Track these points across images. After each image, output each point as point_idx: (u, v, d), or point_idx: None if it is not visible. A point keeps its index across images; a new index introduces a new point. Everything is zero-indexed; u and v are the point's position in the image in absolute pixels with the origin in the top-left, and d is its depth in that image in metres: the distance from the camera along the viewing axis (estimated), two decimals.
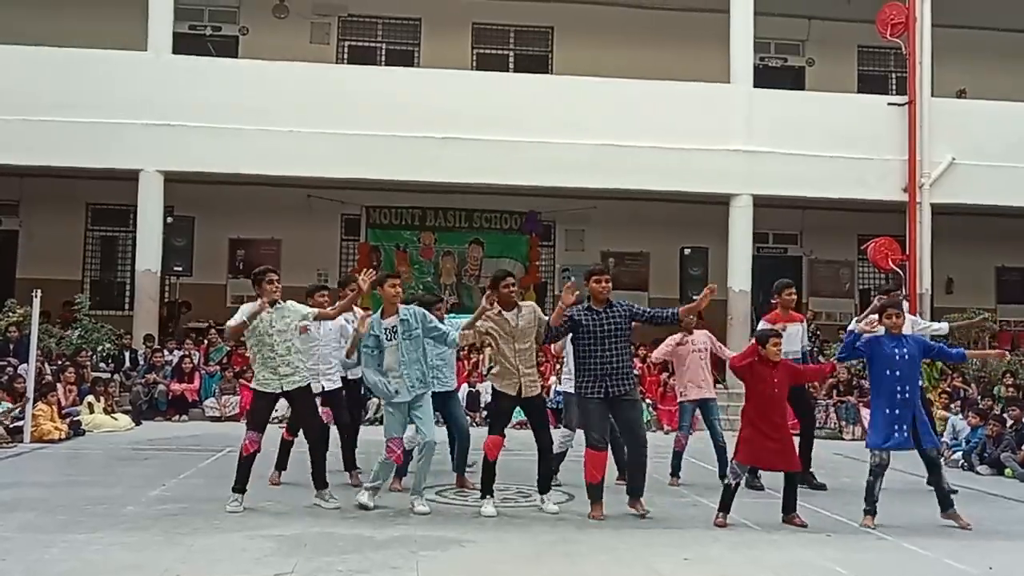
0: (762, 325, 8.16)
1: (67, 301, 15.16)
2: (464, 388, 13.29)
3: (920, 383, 7.12)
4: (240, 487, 6.94)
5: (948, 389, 13.25)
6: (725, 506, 6.81)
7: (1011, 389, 13.00)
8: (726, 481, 6.91)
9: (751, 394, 6.93)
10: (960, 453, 10.65)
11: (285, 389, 7.09)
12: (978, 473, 9.98)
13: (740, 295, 15.42)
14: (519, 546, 6.06)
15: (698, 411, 8.83)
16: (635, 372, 7.39)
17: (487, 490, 7.11)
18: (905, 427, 6.81)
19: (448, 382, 8.18)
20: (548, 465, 7.32)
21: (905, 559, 6.03)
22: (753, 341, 7.17)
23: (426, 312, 7.27)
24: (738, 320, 15.39)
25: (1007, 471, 9.78)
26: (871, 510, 6.83)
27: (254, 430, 7.00)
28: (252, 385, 7.29)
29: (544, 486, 7.28)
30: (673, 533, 6.56)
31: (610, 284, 7.13)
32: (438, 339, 7.26)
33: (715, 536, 6.44)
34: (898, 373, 6.86)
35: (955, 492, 7.33)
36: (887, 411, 6.83)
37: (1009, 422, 10.39)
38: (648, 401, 14.22)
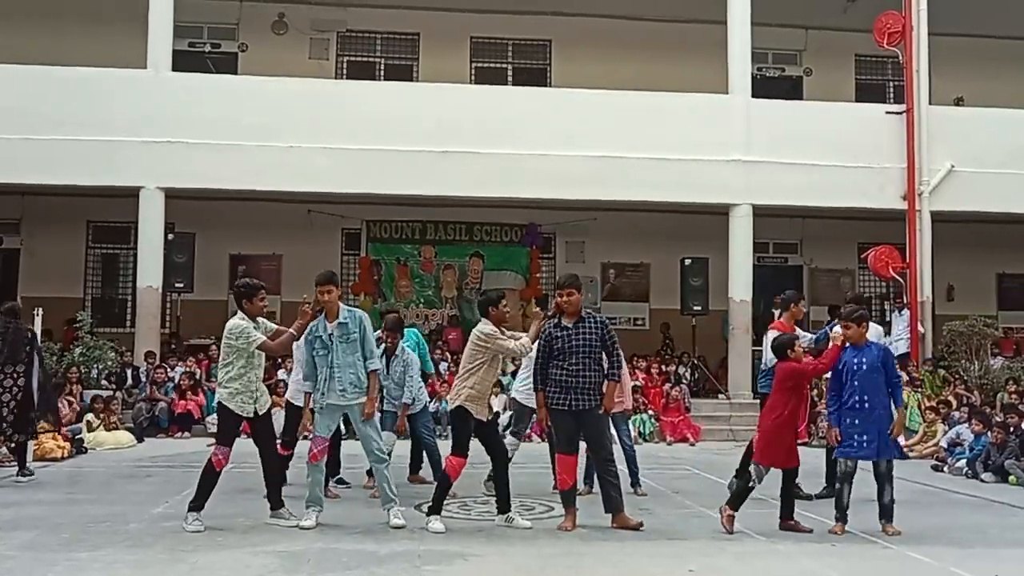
0: (773, 333, 8.01)
1: (70, 320, 15.17)
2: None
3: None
4: (200, 504, 6.81)
5: (950, 398, 13.20)
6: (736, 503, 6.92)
7: (1014, 396, 12.96)
8: (751, 483, 6.93)
9: (790, 397, 6.97)
10: (964, 460, 10.63)
11: (259, 413, 6.98)
12: (982, 480, 9.95)
13: (741, 305, 15.39)
14: (523, 559, 6.04)
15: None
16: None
17: (437, 509, 6.88)
18: (866, 437, 6.86)
19: (422, 398, 8.87)
20: (506, 478, 7.10)
21: (910, 567, 6.02)
22: (833, 346, 7.08)
23: (366, 317, 7.19)
24: (740, 330, 15.37)
25: (1011, 478, 9.74)
26: (842, 517, 6.88)
27: (226, 445, 6.90)
28: (231, 407, 6.89)
29: (506, 505, 7.07)
30: (678, 544, 6.55)
31: (575, 297, 7.01)
32: (366, 354, 7.02)
33: (720, 547, 6.43)
34: (856, 383, 6.93)
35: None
36: (848, 420, 6.92)
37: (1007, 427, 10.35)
38: (651, 412, 14.21)
